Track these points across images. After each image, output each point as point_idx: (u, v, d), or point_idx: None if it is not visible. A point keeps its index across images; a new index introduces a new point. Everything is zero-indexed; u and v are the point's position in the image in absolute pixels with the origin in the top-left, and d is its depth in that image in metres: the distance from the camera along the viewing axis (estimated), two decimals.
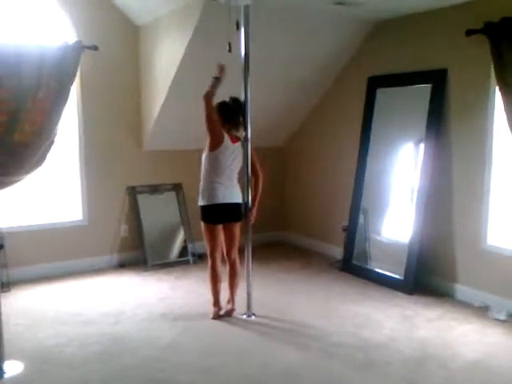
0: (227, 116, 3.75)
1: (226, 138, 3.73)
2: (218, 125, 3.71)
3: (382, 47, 4.90)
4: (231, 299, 3.98)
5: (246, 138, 3.74)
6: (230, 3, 3.48)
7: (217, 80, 3.62)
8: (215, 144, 3.70)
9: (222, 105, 3.76)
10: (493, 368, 3.14)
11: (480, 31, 3.81)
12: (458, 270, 4.34)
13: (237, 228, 3.89)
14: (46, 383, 2.97)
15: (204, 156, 3.80)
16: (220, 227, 3.86)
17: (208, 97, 3.60)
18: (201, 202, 3.82)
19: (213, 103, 3.64)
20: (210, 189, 3.76)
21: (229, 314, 3.94)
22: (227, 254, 3.94)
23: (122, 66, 5.06)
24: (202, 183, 3.83)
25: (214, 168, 3.74)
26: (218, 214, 3.81)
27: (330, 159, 5.60)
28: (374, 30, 4.92)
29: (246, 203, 3.85)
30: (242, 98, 3.70)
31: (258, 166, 3.87)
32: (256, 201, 3.88)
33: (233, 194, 3.81)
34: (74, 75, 4.59)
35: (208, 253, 3.91)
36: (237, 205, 3.83)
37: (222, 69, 3.62)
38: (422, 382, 2.99)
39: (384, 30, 4.84)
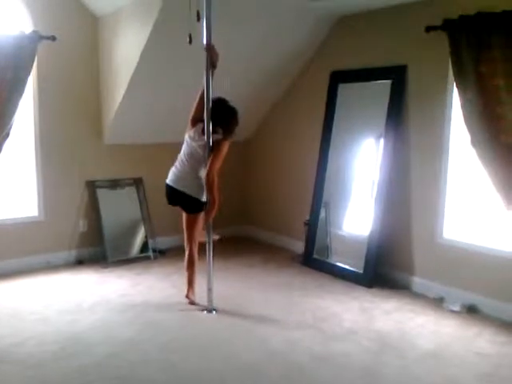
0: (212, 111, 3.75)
1: (199, 127, 3.80)
2: (200, 114, 3.75)
3: (344, 42, 4.95)
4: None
5: (207, 131, 3.70)
6: None
7: (213, 68, 3.67)
8: (190, 125, 3.87)
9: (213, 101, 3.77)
10: (447, 357, 3.24)
11: (439, 28, 3.90)
12: (415, 262, 4.44)
13: (188, 218, 3.91)
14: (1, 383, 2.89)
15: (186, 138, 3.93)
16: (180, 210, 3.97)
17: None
18: None
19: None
20: (173, 168, 3.92)
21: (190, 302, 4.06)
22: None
23: (81, 57, 4.93)
24: None
25: (183, 149, 3.89)
26: (169, 195, 3.93)
27: (292, 153, 5.63)
28: (337, 25, 4.96)
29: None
30: (204, 90, 3.67)
31: (211, 168, 3.68)
32: (209, 201, 3.75)
33: (187, 183, 3.81)
34: (31, 66, 4.45)
35: None
36: (185, 195, 3.82)
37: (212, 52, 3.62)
38: (380, 371, 3.06)
39: (346, 25, 4.89)
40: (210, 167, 3.68)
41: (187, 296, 4.03)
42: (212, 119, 3.70)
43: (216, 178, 3.73)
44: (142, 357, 3.19)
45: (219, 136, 3.77)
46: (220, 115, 3.75)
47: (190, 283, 4.04)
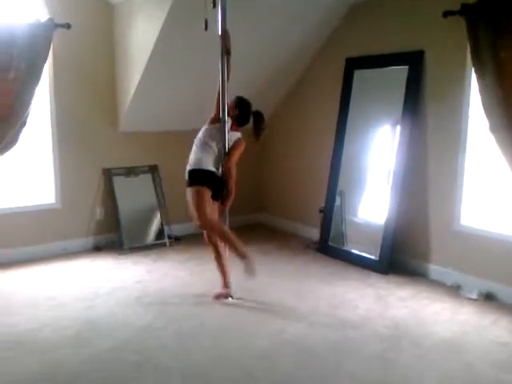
0: (241, 112, 3.84)
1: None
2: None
3: (359, 28, 4.87)
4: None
5: (223, 119, 3.68)
6: None
7: (228, 55, 3.64)
8: (213, 121, 3.81)
9: (241, 101, 3.85)
10: (464, 345, 3.22)
11: (457, 13, 3.81)
12: (431, 250, 4.40)
13: (188, 193, 3.77)
14: (19, 369, 2.93)
15: (203, 129, 3.83)
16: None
17: None
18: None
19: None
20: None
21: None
22: None
23: (96, 44, 4.94)
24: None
25: (200, 137, 3.81)
26: (204, 178, 3.77)
27: (307, 141, 5.59)
28: (352, 10, 4.88)
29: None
30: (220, 78, 3.64)
31: (231, 159, 3.72)
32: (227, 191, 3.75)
33: (197, 161, 3.74)
34: (47, 54, 4.46)
35: None
36: (208, 173, 3.73)
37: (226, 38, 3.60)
38: (396, 359, 3.04)
39: (361, 10, 4.81)
40: (230, 159, 3.71)
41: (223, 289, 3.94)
42: (242, 121, 3.84)
43: (234, 170, 3.74)
44: (157, 343, 3.22)
45: (239, 135, 3.83)
46: (248, 118, 3.85)
47: (223, 275, 3.94)
